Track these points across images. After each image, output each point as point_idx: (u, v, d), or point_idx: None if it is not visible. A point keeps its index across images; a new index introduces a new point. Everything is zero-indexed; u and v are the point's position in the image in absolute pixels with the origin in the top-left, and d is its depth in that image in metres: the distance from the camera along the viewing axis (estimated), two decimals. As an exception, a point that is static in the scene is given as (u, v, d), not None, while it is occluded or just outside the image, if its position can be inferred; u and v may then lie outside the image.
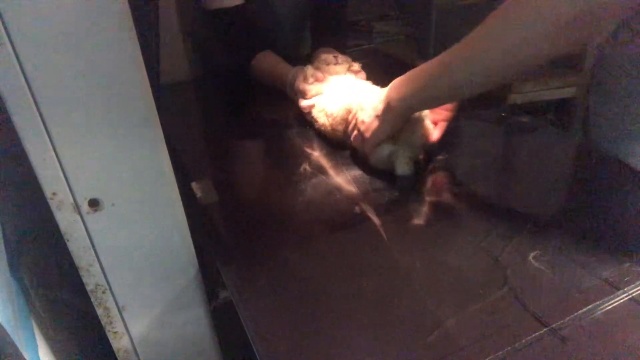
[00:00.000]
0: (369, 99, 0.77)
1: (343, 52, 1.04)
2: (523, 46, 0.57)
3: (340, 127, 0.83)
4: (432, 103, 0.73)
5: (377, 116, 0.73)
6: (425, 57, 1.30)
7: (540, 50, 0.58)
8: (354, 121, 0.79)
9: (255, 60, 1.03)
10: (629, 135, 0.72)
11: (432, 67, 0.67)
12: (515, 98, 1.45)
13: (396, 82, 0.72)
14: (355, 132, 0.78)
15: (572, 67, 1.43)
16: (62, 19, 0.47)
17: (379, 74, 1.08)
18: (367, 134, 0.75)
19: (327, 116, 0.83)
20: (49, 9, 0.46)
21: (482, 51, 0.61)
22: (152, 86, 0.54)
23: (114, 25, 0.49)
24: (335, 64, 0.95)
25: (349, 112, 0.81)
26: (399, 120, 0.72)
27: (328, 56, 0.96)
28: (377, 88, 0.84)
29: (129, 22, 0.49)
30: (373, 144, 0.75)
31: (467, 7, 1.29)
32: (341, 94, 0.84)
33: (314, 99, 0.89)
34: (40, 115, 0.50)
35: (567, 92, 1.45)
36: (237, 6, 0.99)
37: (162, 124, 0.56)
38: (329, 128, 0.83)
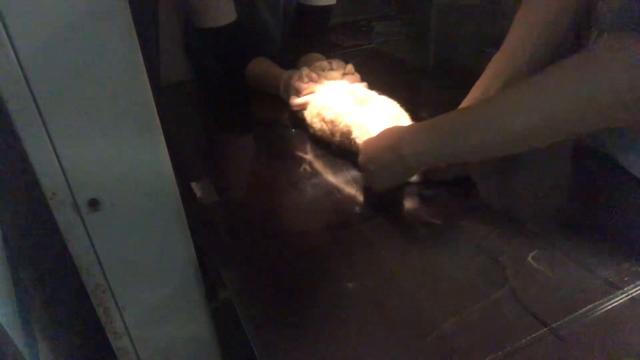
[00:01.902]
0: (373, 123, 0.75)
1: (332, 55, 1.05)
2: (582, 111, 0.53)
3: (338, 138, 0.81)
4: (454, 159, 0.66)
5: (385, 167, 0.67)
6: (425, 57, 1.29)
7: (596, 118, 0.54)
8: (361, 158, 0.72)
9: (249, 67, 1.03)
10: (627, 145, 0.71)
11: (458, 120, 0.61)
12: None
13: (410, 134, 0.65)
14: (364, 170, 0.72)
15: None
16: (63, 20, 0.47)
17: (379, 74, 1.09)
18: (376, 186, 0.69)
19: (325, 122, 0.83)
20: (49, 9, 0.46)
21: (529, 109, 0.55)
22: (152, 86, 0.54)
23: (114, 26, 0.49)
24: (331, 69, 0.95)
25: (347, 128, 0.78)
26: (413, 173, 0.67)
27: (322, 63, 0.96)
28: (373, 95, 0.84)
29: (129, 22, 0.49)
30: (382, 191, 0.70)
31: (467, 7, 1.29)
32: (335, 102, 0.83)
33: (305, 97, 0.90)
34: (40, 115, 0.50)
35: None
36: (229, 24, 0.99)
37: (162, 124, 0.56)
38: (327, 133, 0.83)
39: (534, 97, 0.56)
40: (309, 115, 0.87)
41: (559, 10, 0.69)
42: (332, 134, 0.82)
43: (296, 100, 0.91)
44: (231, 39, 1.02)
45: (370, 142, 0.71)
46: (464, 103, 0.76)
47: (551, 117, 0.55)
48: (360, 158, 0.72)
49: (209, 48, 1.05)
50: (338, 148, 0.82)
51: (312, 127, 0.86)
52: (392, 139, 0.67)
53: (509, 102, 0.58)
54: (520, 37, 0.71)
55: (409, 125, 0.71)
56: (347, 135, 0.78)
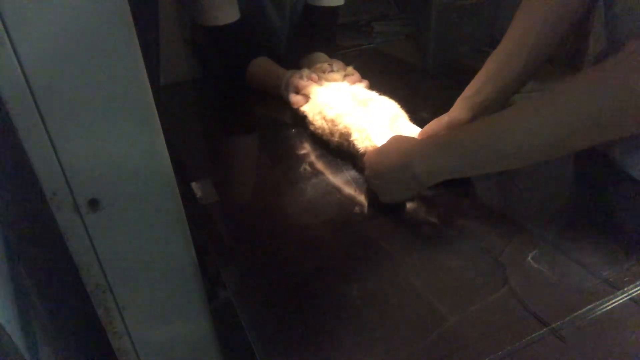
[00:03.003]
0: (372, 127, 0.75)
1: (333, 55, 1.05)
2: (612, 115, 0.52)
3: (337, 138, 0.81)
4: (470, 174, 0.67)
5: (396, 184, 0.66)
6: (425, 57, 1.29)
7: (617, 129, 0.53)
8: (366, 163, 0.72)
9: (250, 67, 1.03)
10: (626, 147, 0.71)
11: (473, 136, 0.60)
12: (515, 98, 1.45)
13: (421, 151, 0.64)
14: (371, 184, 0.71)
15: (572, 67, 1.44)
16: (62, 19, 0.47)
17: (379, 74, 1.09)
18: (385, 199, 0.69)
19: (326, 121, 0.83)
20: (49, 9, 0.46)
21: (549, 122, 0.54)
22: (152, 86, 0.54)
23: (114, 25, 0.49)
24: (331, 71, 0.95)
25: (347, 130, 0.78)
26: (426, 189, 0.67)
27: (323, 65, 0.96)
28: (373, 95, 0.84)
29: (129, 22, 0.49)
30: (391, 202, 0.70)
31: (467, 7, 1.29)
32: (337, 102, 0.83)
33: (302, 96, 0.90)
34: (40, 115, 0.50)
35: (567, 92, 1.44)
36: (232, 23, 0.99)
37: (162, 124, 0.56)
38: (327, 132, 0.83)
39: (554, 110, 0.55)
40: (311, 112, 0.87)
41: (559, 14, 0.68)
42: (332, 133, 0.82)
43: (294, 98, 0.91)
44: (235, 38, 1.02)
45: (375, 157, 0.70)
46: (459, 99, 0.75)
47: (574, 130, 0.54)
48: (367, 173, 0.71)
49: (213, 46, 1.05)
50: (336, 148, 0.82)
51: (313, 124, 0.86)
52: (401, 156, 0.66)
53: (528, 115, 0.57)
54: (519, 38, 0.71)
55: (417, 141, 0.69)
56: (345, 136, 0.78)
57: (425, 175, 0.63)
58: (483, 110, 0.74)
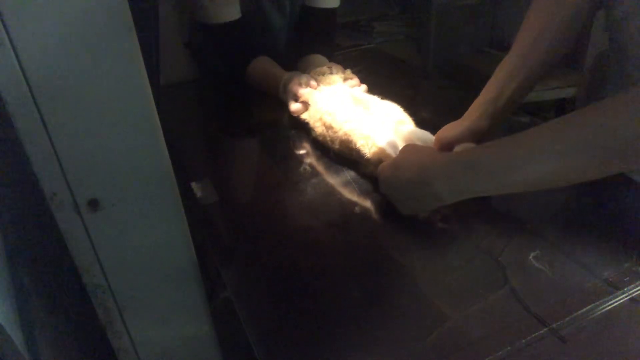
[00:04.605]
0: (377, 133, 0.74)
1: (333, 55, 1.04)
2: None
3: (337, 146, 0.80)
4: (493, 194, 0.63)
5: (414, 199, 0.64)
6: (425, 57, 1.29)
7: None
8: (379, 173, 0.70)
9: (250, 66, 1.03)
10: None
11: (496, 157, 0.57)
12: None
13: (442, 169, 0.61)
14: (387, 197, 0.69)
15: (572, 67, 1.44)
16: (63, 20, 0.47)
17: (379, 74, 1.09)
18: (404, 212, 0.66)
19: (326, 127, 0.82)
20: (49, 9, 0.46)
21: (576, 148, 0.51)
22: (152, 86, 0.54)
23: (114, 26, 0.49)
24: (330, 74, 0.95)
25: (347, 137, 0.77)
26: (446, 204, 0.63)
27: (322, 68, 0.96)
28: (375, 99, 0.84)
29: (129, 22, 0.49)
30: (412, 214, 0.67)
31: (467, 7, 1.29)
32: (336, 108, 0.82)
33: (301, 104, 0.90)
34: (40, 115, 0.50)
35: (567, 92, 1.45)
36: (233, 20, 0.99)
37: (162, 124, 0.56)
38: (328, 139, 0.83)
39: (589, 132, 0.51)
40: (312, 119, 0.86)
41: (572, 12, 0.68)
42: (332, 140, 0.81)
43: (293, 106, 0.91)
44: (235, 36, 1.02)
45: (390, 170, 0.68)
46: (476, 104, 0.73)
47: (610, 153, 0.51)
48: (381, 187, 0.69)
49: (212, 45, 1.05)
50: (336, 156, 0.81)
51: (314, 130, 0.86)
52: (419, 171, 0.63)
53: (560, 138, 0.53)
54: (533, 37, 0.69)
55: (436, 156, 0.65)
56: (346, 143, 0.78)
57: (447, 194, 0.60)
58: (503, 115, 0.72)
